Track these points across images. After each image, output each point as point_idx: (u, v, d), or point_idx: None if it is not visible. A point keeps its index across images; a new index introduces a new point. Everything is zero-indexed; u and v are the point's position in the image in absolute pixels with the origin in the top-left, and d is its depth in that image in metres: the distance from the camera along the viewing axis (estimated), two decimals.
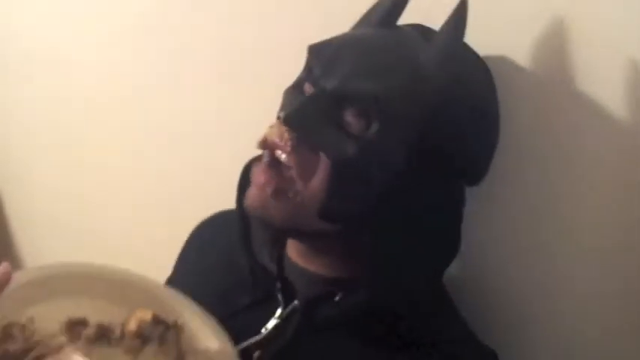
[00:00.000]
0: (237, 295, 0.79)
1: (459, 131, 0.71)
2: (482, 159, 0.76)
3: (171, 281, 0.90)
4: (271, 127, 0.71)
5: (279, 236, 0.79)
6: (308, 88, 0.73)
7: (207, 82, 1.15)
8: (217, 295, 0.79)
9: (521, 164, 0.79)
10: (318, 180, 0.69)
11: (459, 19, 0.71)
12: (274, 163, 0.71)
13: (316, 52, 0.72)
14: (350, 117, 0.68)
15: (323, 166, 0.68)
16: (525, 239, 0.81)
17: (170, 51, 1.20)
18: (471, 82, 0.74)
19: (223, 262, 0.84)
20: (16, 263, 1.69)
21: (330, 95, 0.69)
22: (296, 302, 0.76)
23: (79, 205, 1.49)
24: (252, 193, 0.73)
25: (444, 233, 0.74)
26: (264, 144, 0.71)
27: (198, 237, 0.92)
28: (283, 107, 0.73)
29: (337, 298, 0.75)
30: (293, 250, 0.80)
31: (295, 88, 0.74)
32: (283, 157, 0.70)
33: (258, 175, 0.72)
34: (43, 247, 1.66)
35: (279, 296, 0.77)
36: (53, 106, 1.47)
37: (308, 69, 0.73)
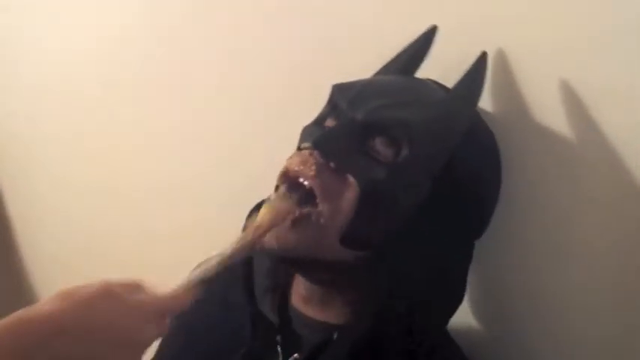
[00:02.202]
0: (232, 346, 0.76)
1: (475, 174, 0.74)
2: (489, 208, 0.78)
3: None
4: (290, 158, 0.72)
5: (294, 269, 0.77)
6: (330, 124, 0.74)
7: (216, 83, 1.14)
8: (210, 344, 0.77)
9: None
10: (344, 204, 0.69)
11: (479, 68, 0.75)
12: (294, 190, 0.70)
13: (342, 89, 0.75)
14: (379, 145, 0.70)
15: (349, 190, 0.69)
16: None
17: (177, 52, 1.20)
18: (483, 133, 0.78)
19: (218, 308, 0.81)
20: (17, 263, 1.69)
21: (359, 124, 0.70)
22: (296, 356, 0.73)
23: (83, 203, 1.47)
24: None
25: (453, 278, 0.75)
26: (286, 176, 0.71)
27: None
28: (305, 140, 0.74)
29: (335, 336, 0.73)
30: (298, 297, 0.78)
31: (316, 125, 0.76)
32: (306, 182, 0.69)
33: (278, 209, 0.70)
34: (45, 247, 1.63)
35: (279, 349, 0.74)
36: (58, 103, 1.45)
37: (331, 105, 0.76)
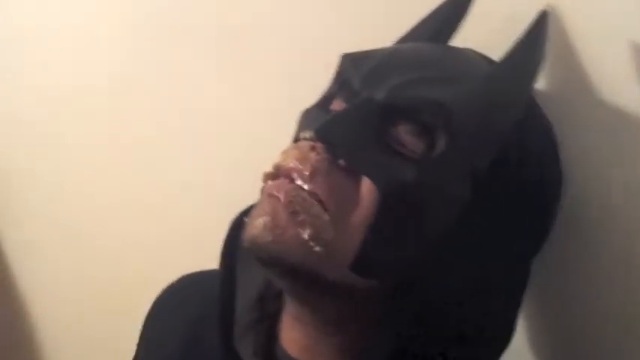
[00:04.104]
0: None
1: (530, 172, 0.56)
2: (548, 216, 0.60)
3: None
4: (285, 152, 0.55)
5: (286, 284, 0.57)
6: (338, 106, 0.57)
7: (210, 82, 1.02)
8: None
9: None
10: (357, 217, 0.51)
11: (538, 32, 0.57)
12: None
13: (355, 61, 0.57)
14: (405, 135, 0.52)
15: (365, 197, 0.51)
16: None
17: (169, 46, 1.07)
18: (539, 117, 0.60)
19: (187, 347, 0.65)
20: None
21: (378, 107, 0.52)
22: None
23: (73, 205, 1.35)
24: (260, 212, 0.53)
25: (500, 314, 0.57)
26: (276, 175, 0.54)
27: (158, 311, 0.71)
28: (306, 127, 0.56)
29: None
30: (290, 336, 0.59)
31: (320, 108, 0.58)
32: (306, 186, 0.52)
33: (270, 187, 0.53)
34: (29, 242, 1.51)
35: None
36: (42, 101, 1.33)
37: (340, 82, 0.58)
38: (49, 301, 1.46)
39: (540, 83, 0.61)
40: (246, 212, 0.58)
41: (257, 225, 0.52)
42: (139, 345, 0.71)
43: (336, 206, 0.51)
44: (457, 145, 0.51)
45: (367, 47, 0.60)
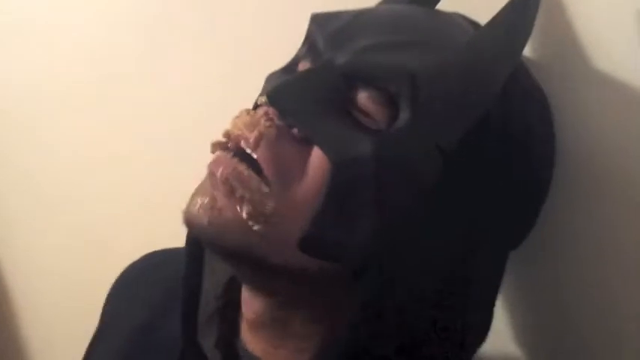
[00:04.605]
0: None
1: (519, 141, 0.51)
2: (531, 204, 0.55)
3: (93, 343, 0.67)
4: (236, 118, 0.50)
5: (235, 268, 0.54)
6: (303, 68, 0.52)
7: (209, 79, 0.98)
8: None
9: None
10: (305, 191, 0.47)
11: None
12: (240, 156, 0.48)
13: (322, 21, 0.52)
14: (367, 102, 0.47)
15: (316, 169, 0.47)
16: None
17: (166, 43, 1.03)
18: (530, 89, 0.55)
19: (146, 330, 0.61)
20: None
21: (339, 71, 0.48)
22: None
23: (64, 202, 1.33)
24: (199, 191, 0.50)
25: (473, 304, 0.52)
26: (224, 144, 0.49)
27: (119, 291, 0.67)
28: (263, 92, 0.52)
29: None
30: (249, 330, 0.55)
31: (285, 71, 0.54)
32: (253, 154, 0.48)
33: (210, 163, 0.50)
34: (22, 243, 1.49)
35: None
36: (39, 99, 1.31)
37: (308, 45, 0.53)
38: (39, 298, 1.44)
39: (531, 49, 0.56)
40: None
41: (194, 204, 0.48)
42: (99, 324, 0.68)
43: (278, 177, 0.47)
44: (423, 118, 0.46)
45: None
